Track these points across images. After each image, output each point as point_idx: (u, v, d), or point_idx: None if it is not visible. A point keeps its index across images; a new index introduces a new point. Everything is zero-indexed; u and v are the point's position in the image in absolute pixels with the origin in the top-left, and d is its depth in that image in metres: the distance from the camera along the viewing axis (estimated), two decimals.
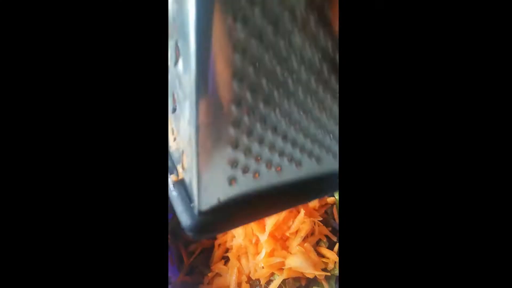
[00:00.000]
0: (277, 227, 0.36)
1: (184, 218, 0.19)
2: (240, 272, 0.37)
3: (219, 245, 0.40)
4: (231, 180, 0.18)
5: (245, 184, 0.19)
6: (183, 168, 0.19)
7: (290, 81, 0.16)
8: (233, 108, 0.15)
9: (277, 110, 0.17)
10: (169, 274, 0.39)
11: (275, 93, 0.16)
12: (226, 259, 0.39)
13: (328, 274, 0.35)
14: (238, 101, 0.15)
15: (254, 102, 0.16)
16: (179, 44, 0.14)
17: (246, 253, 0.37)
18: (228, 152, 0.17)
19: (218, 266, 0.39)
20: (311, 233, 0.36)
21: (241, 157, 0.18)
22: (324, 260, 0.35)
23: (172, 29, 0.15)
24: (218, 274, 0.38)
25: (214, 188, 0.18)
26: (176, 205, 0.19)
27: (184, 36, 0.14)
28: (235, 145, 0.17)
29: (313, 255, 0.35)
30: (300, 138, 0.19)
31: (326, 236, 0.36)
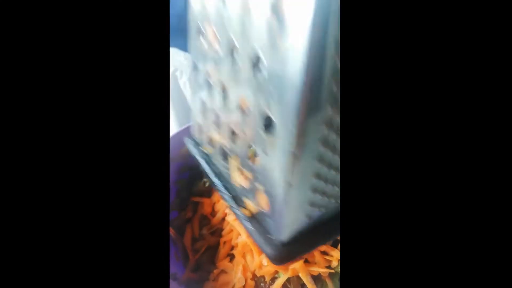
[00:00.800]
0: None
1: (268, 249, 0.21)
2: (245, 269, 0.37)
3: (225, 242, 0.40)
4: (308, 217, 0.21)
5: (316, 217, 0.22)
6: (259, 205, 0.22)
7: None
8: (317, 163, 0.19)
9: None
10: (175, 271, 0.40)
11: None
12: (231, 257, 0.40)
13: (332, 271, 0.35)
14: (320, 158, 0.19)
15: (330, 155, 0.19)
16: (273, 118, 0.18)
17: (251, 250, 0.38)
18: (309, 195, 0.20)
19: (224, 263, 0.39)
20: None
21: (317, 198, 0.21)
22: (327, 257, 0.36)
23: (259, 89, 0.18)
24: (224, 271, 0.39)
25: (296, 224, 0.21)
26: (256, 238, 0.22)
27: (285, 115, 0.17)
28: (315, 190, 0.20)
29: (317, 253, 0.36)
30: None
31: None
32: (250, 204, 0.22)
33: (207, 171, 0.26)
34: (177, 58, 0.53)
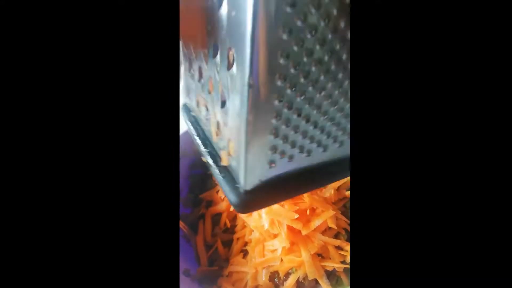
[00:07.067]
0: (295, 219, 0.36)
1: (232, 197, 0.22)
2: (258, 265, 0.37)
3: (238, 239, 0.40)
4: (271, 163, 0.21)
5: (282, 167, 0.21)
6: (229, 154, 0.21)
7: (322, 78, 0.19)
8: (276, 102, 0.18)
9: (311, 103, 0.19)
10: (188, 267, 0.40)
11: (310, 89, 0.19)
12: (245, 253, 0.40)
13: (347, 266, 0.35)
14: (280, 97, 0.18)
15: (293, 97, 0.18)
16: (234, 52, 0.17)
17: (264, 246, 0.38)
18: (270, 139, 0.19)
19: (237, 260, 0.39)
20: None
21: (279, 143, 0.20)
22: (342, 253, 0.36)
23: (225, 39, 0.17)
24: (237, 267, 0.39)
25: (258, 170, 0.21)
26: (224, 186, 0.22)
27: (240, 45, 0.16)
28: (276, 134, 0.19)
29: (331, 248, 0.36)
30: (328, 126, 0.22)
31: (345, 229, 0.37)
32: (224, 156, 0.23)
33: (192, 132, 0.26)
34: None
